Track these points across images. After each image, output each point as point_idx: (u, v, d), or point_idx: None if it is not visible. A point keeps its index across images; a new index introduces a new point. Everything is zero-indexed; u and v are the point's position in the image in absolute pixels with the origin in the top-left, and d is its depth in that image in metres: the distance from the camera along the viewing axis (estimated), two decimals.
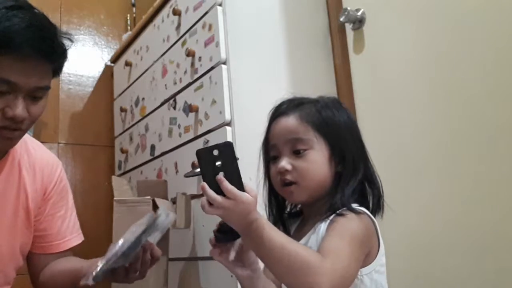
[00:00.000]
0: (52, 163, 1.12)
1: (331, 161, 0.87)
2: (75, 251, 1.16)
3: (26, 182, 1.04)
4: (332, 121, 0.88)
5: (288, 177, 0.86)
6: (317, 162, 0.86)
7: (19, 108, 0.86)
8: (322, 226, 0.82)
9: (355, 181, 0.86)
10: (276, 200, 0.96)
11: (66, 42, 0.93)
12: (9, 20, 0.82)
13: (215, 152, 0.71)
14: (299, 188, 0.86)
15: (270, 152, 0.91)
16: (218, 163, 0.71)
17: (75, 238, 1.14)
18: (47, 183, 1.09)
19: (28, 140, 1.09)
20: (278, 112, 0.92)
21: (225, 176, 0.70)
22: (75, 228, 1.15)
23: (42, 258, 1.10)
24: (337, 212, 0.81)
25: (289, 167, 0.85)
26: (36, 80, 0.88)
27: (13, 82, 0.84)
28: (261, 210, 0.86)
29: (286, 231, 0.93)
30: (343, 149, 0.87)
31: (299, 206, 0.97)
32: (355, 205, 0.83)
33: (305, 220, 0.93)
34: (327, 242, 0.75)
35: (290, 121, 0.88)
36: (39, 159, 1.08)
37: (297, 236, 0.90)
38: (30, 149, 1.06)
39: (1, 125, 0.87)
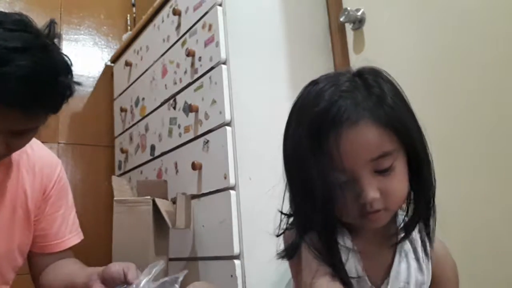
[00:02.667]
0: (52, 162, 1.11)
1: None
2: (75, 251, 1.16)
3: (25, 182, 1.03)
4: (404, 115, 0.68)
5: (376, 206, 0.65)
6: (403, 174, 0.67)
7: None
8: (421, 256, 0.73)
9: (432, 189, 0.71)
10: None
11: (71, 86, 0.85)
12: (5, 65, 0.74)
13: None
14: (388, 213, 0.67)
15: (339, 175, 0.65)
16: None
17: (74, 237, 1.14)
18: (47, 182, 1.08)
19: None
20: (341, 118, 0.63)
21: None
22: (74, 227, 1.15)
23: (42, 258, 1.10)
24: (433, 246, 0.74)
25: (377, 195, 0.64)
26: (21, 125, 0.81)
27: None
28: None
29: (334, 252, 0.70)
30: (415, 146, 0.69)
31: None
32: None
33: (363, 236, 0.73)
34: None
35: (369, 134, 0.63)
36: (38, 158, 1.07)
37: (371, 261, 0.71)
38: (28, 148, 1.05)
39: None
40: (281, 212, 0.77)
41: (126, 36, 2.14)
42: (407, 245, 0.72)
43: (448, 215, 1.17)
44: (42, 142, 1.13)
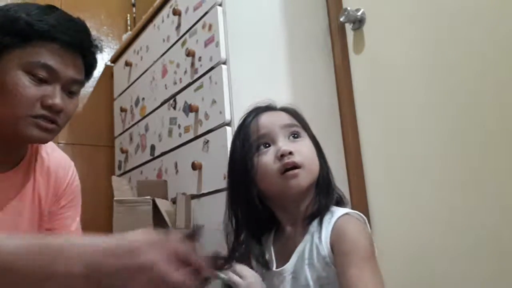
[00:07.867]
0: (65, 165, 1.11)
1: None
2: None
3: (40, 186, 1.03)
4: (303, 121, 0.94)
5: (293, 159, 0.83)
6: (311, 147, 0.88)
7: (58, 98, 0.87)
8: (324, 234, 0.80)
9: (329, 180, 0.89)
10: (252, 206, 0.88)
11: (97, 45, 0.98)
12: (48, 14, 0.88)
13: None
14: (305, 171, 0.83)
15: (258, 142, 0.87)
16: None
17: None
18: (59, 185, 1.08)
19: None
20: (262, 109, 0.93)
21: None
22: (78, 233, 1.14)
23: None
24: (337, 221, 0.80)
25: (292, 148, 0.83)
26: (74, 72, 0.91)
27: (53, 69, 0.87)
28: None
29: (261, 245, 0.90)
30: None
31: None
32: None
33: (285, 230, 0.89)
34: (352, 277, 0.73)
35: (282, 113, 0.91)
36: (52, 162, 1.08)
37: (284, 248, 0.87)
38: (43, 152, 1.06)
39: (39, 113, 0.86)
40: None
41: (126, 36, 2.14)
42: (314, 227, 0.82)
43: (449, 216, 1.17)
44: None
